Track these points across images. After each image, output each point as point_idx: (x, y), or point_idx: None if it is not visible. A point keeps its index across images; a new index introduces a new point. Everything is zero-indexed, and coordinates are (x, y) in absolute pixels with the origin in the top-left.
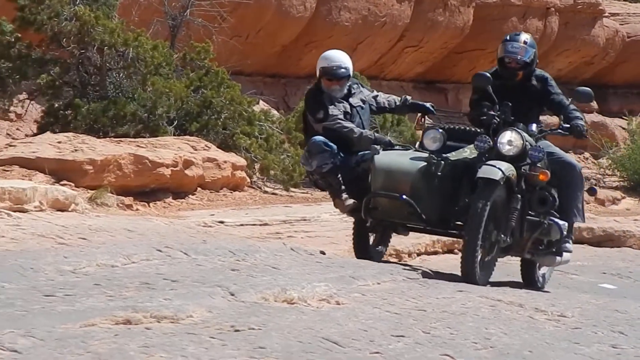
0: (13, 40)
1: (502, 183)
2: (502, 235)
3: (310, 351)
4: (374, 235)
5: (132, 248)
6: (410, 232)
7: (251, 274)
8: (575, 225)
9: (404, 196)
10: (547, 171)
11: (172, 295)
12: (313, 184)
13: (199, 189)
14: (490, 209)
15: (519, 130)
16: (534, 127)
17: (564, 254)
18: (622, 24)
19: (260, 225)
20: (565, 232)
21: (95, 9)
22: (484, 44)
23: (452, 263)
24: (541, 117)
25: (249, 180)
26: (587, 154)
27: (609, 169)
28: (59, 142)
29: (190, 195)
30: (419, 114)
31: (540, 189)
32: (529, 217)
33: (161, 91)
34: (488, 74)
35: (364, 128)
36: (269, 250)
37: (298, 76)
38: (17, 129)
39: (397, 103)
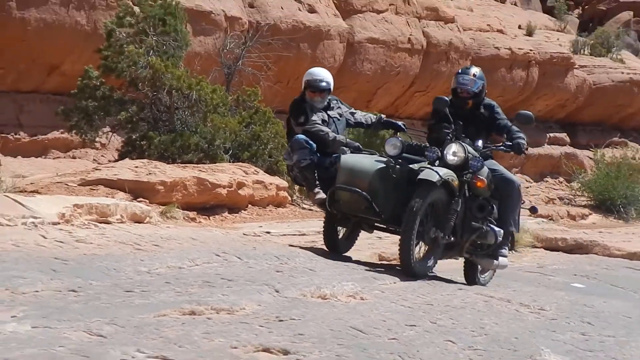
0: (98, 84)
1: (438, 185)
2: (442, 233)
3: (340, 337)
4: (344, 230)
5: (196, 253)
6: (381, 232)
7: (292, 275)
8: (551, 235)
9: (362, 192)
10: (484, 179)
11: (228, 291)
12: (293, 179)
13: (249, 205)
14: (431, 208)
15: (463, 144)
16: (479, 143)
17: (500, 258)
18: (589, 74)
19: (299, 235)
20: (500, 239)
21: (166, 59)
22: None
23: (455, 267)
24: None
25: (290, 198)
26: (561, 179)
27: (579, 191)
28: (136, 167)
29: (242, 211)
30: (392, 131)
31: (482, 198)
32: (472, 222)
33: (219, 126)
34: (446, 98)
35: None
36: (307, 255)
37: None
38: (102, 155)
39: (373, 120)
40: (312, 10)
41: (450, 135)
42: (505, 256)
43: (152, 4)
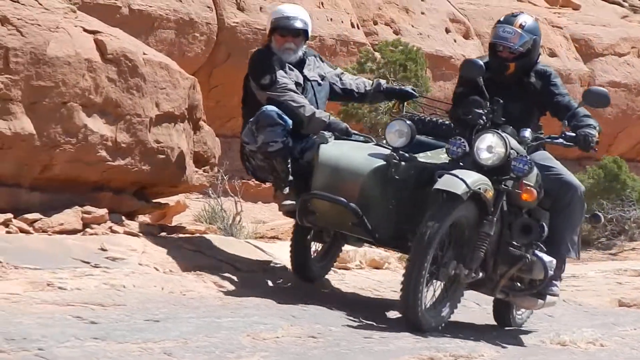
0: None
1: (465, 199)
2: (466, 270)
3: None
4: (321, 246)
5: None
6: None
7: (531, 321)
8: None
9: (349, 203)
10: (533, 190)
11: (466, 338)
12: (250, 171)
13: None
14: (451, 232)
15: (502, 134)
16: (527, 132)
17: (548, 297)
18: None
19: None
20: (551, 271)
21: (407, 105)
22: None
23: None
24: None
25: None
26: None
27: None
28: None
29: None
30: (397, 101)
31: (526, 213)
32: (509, 247)
33: None
34: (481, 63)
35: (317, 108)
36: None
37: None
38: None
39: (368, 88)
40: (552, 54)
41: (483, 118)
42: (556, 294)
43: (393, 49)
